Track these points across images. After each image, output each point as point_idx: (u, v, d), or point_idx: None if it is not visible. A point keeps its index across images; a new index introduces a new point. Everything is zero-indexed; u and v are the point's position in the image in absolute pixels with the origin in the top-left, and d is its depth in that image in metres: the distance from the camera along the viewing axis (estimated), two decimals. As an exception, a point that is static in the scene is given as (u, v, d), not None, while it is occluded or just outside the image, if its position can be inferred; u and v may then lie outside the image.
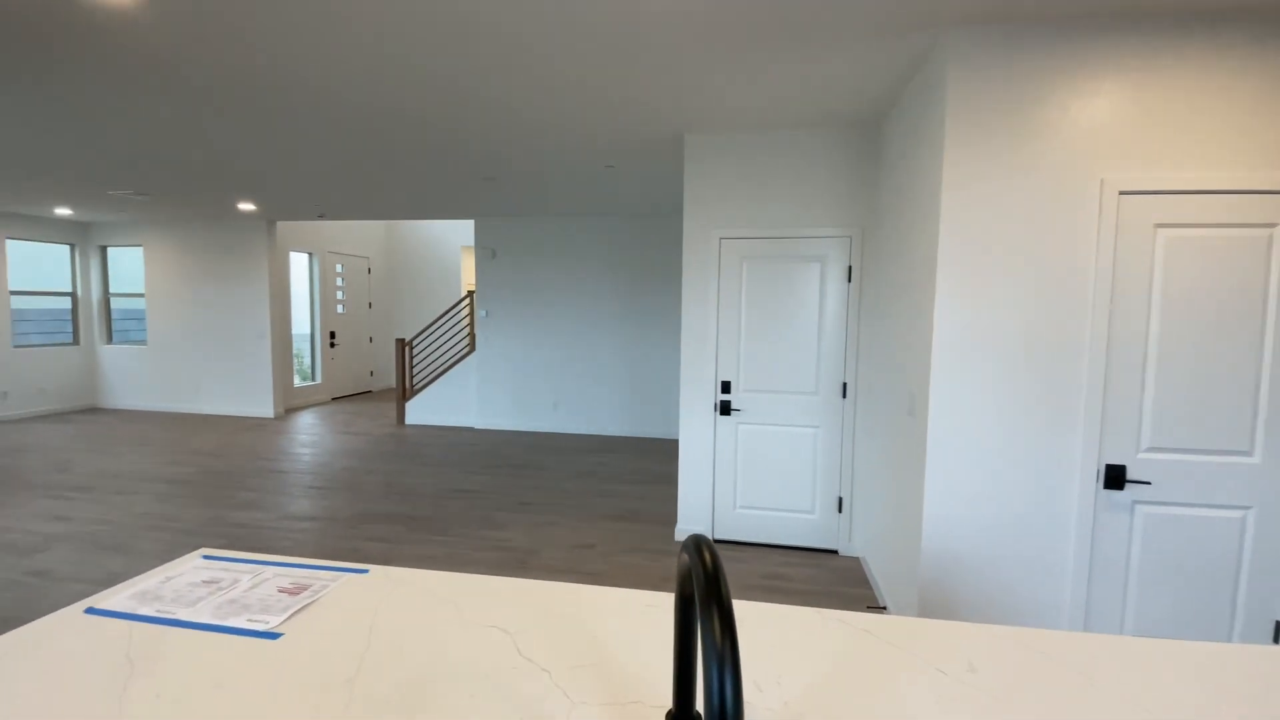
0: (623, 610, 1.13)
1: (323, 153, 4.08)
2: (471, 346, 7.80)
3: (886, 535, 2.94)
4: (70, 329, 7.94)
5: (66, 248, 7.89)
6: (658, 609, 1.13)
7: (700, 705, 0.75)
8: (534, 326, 6.91)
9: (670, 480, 5.03)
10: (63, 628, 1.04)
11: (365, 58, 2.51)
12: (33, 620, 2.70)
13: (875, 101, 2.97)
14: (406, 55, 2.47)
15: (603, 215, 6.62)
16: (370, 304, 9.82)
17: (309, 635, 1.02)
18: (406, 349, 7.45)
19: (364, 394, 9.64)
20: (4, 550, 3.44)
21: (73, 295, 7.96)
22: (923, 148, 2.48)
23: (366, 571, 1.27)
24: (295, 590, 1.17)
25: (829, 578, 3.24)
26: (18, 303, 7.31)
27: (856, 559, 3.50)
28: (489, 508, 4.29)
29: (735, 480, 3.60)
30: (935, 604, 2.34)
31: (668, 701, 0.87)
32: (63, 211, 6.97)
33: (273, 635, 1.02)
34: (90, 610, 1.10)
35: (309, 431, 6.79)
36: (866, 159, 3.37)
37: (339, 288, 9.14)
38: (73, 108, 3.19)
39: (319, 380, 8.83)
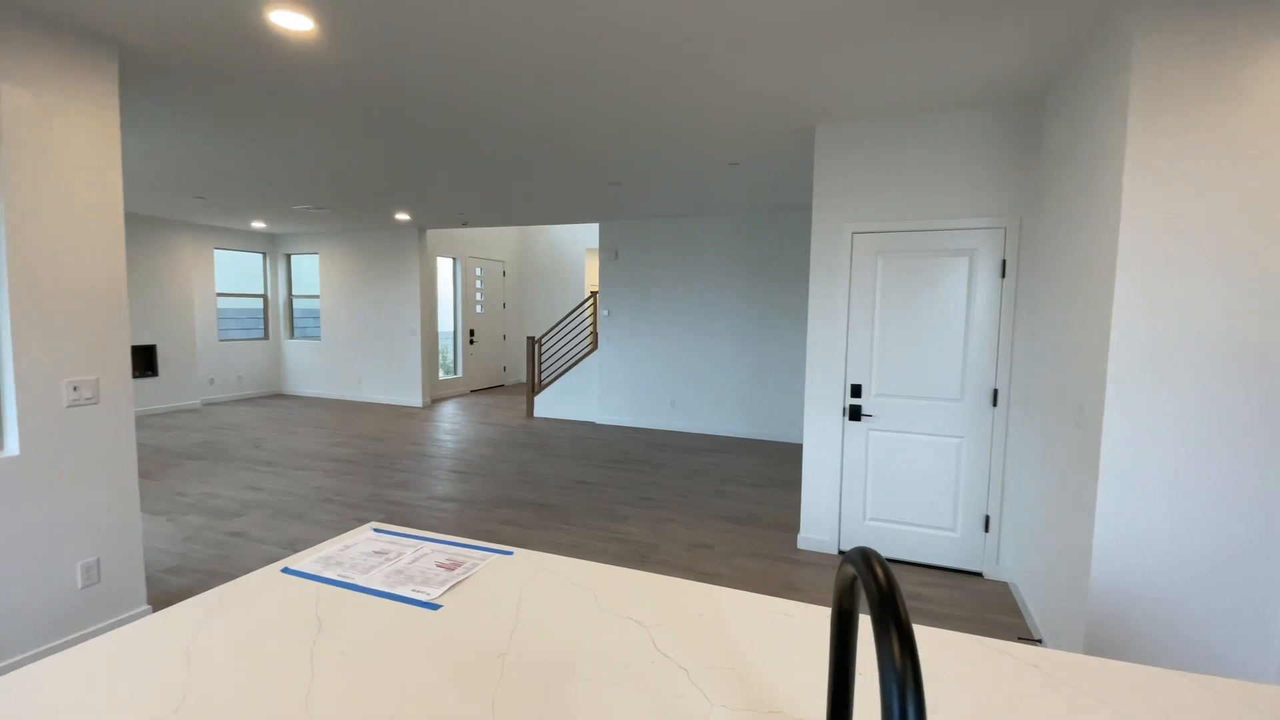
0: (755, 615, 1.10)
1: (469, 165, 4.42)
2: (594, 345, 8.08)
3: (1043, 560, 2.63)
4: (262, 326, 9.29)
5: (260, 256, 9.23)
6: (793, 619, 1.09)
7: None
8: (654, 326, 7.01)
9: (788, 485, 4.87)
10: (266, 583, 1.21)
11: (513, 74, 2.68)
12: (233, 573, 3.20)
13: (1036, 77, 2.67)
14: (550, 65, 2.61)
15: (723, 214, 6.56)
16: (504, 304, 10.51)
17: (464, 609, 1.11)
18: (536, 346, 7.87)
19: (498, 387, 10.34)
20: (211, 513, 4.09)
21: (264, 297, 9.30)
22: (1099, 125, 2.18)
23: (511, 554, 1.35)
24: (451, 566, 1.27)
25: (973, 602, 2.97)
26: (222, 303, 8.67)
27: (1004, 584, 3.17)
28: (610, 501, 4.42)
29: (865, 490, 3.41)
30: (1106, 643, 2.05)
31: (809, 714, 0.83)
32: (257, 225, 8.16)
33: (433, 606, 1.11)
34: (286, 570, 1.27)
35: (451, 420, 7.41)
36: (1024, 141, 3.03)
37: (478, 290, 9.88)
38: (264, 135, 3.72)
39: (460, 374, 9.61)
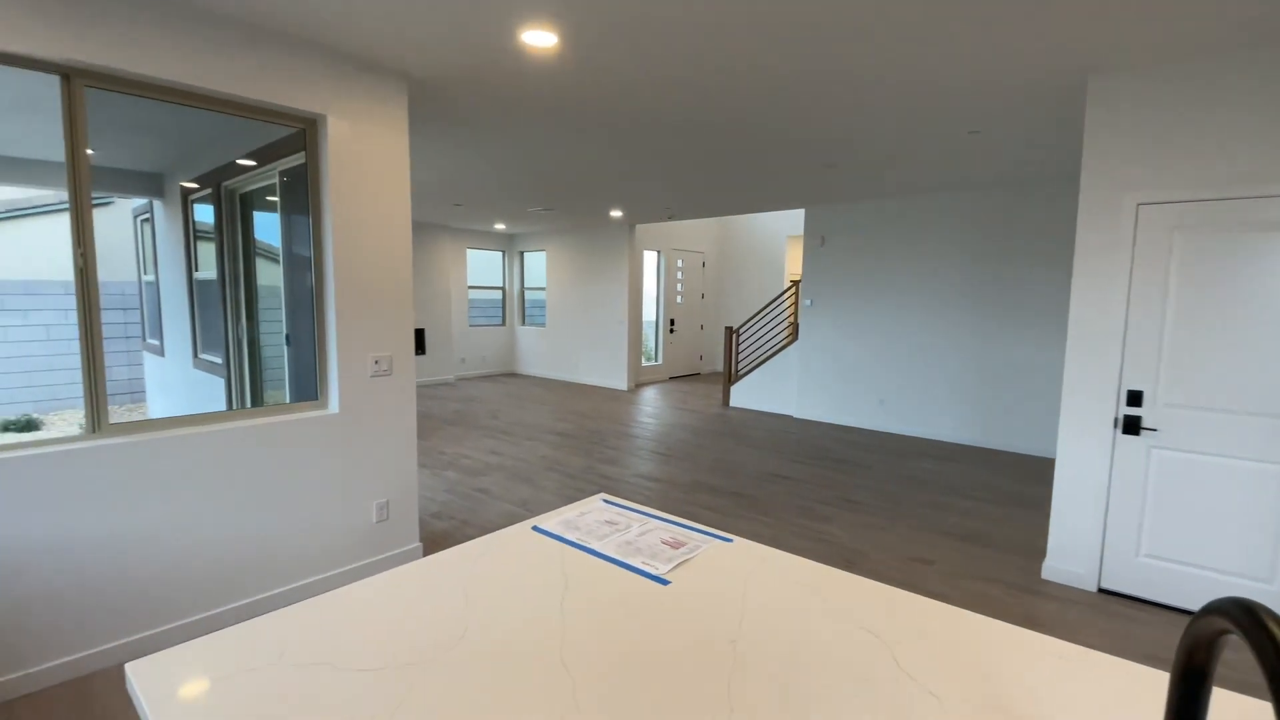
0: (1020, 650, 0.96)
1: (679, 159, 4.55)
2: (793, 336, 7.82)
3: None
4: (500, 314, 10.69)
5: (499, 254, 10.61)
6: (1071, 664, 0.93)
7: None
8: (861, 316, 6.55)
9: (1032, 505, 4.20)
10: (521, 538, 1.38)
11: (731, 65, 2.68)
12: (480, 522, 3.74)
13: None
14: (764, 52, 2.55)
15: (948, 191, 5.84)
16: (703, 295, 10.69)
17: (691, 588, 1.14)
18: (734, 336, 7.88)
19: (694, 376, 10.59)
20: (463, 471, 4.83)
21: (502, 289, 10.69)
22: None
23: (731, 541, 1.36)
24: (674, 544, 1.32)
25: (1307, 683, 2.26)
26: (472, 294, 10.15)
27: (1364, 668, 2.36)
28: (810, 498, 4.25)
29: (1141, 520, 2.79)
30: None
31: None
32: (499, 226, 9.37)
33: (663, 581, 1.16)
34: (535, 528, 1.44)
35: (652, 404, 7.78)
36: None
37: (679, 280, 10.20)
38: (511, 143, 4.23)
39: (660, 361, 10.04)
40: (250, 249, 3.61)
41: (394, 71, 2.81)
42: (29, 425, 6.99)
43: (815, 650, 0.95)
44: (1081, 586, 2.97)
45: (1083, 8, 2.16)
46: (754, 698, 0.83)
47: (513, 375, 10.47)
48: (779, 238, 10.08)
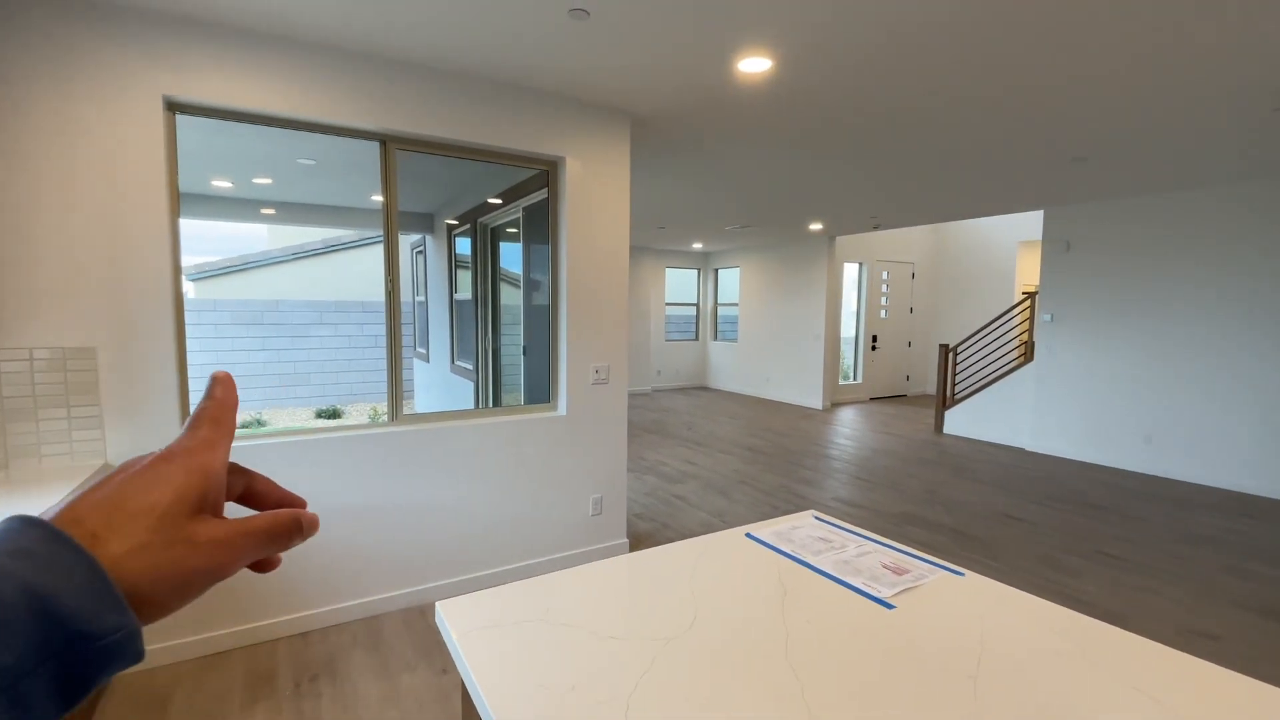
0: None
1: (893, 163, 4.31)
2: (1026, 356, 6.84)
3: None
4: (694, 329, 11.03)
5: (694, 271, 10.96)
6: None
7: None
8: (1117, 334, 5.49)
9: (1392, 587, 3.14)
10: (736, 543, 1.45)
11: (966, 64, 2.50)
12: (678, 526, 3.90)
13: None
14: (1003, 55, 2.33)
15: (1231, 184, 4.65)
16: (911, 309, 9.87)
17: (919, 617, 1.10)
18: (950, 355, 7.14)
19: (899, 397, 9.79)
20: (662, 477, 5.07)
21: (696, 306, 11.02)
22: None
23: (963, 575, 1.27)
24: (898, 570, 1.28)
25: None
26: (668, 311, 10.63)
27: None
28: (1053, 547, 3.67)
29: None
30: None
31: None
32: (696, 245, 9.70)
33: (888, 605, 1.14)
34: (749, 535, 1.49)
35: (851, 426, 7.37)
36: None
37: (883, 294, 9.55)
38: (717, 166, 4.39)
39: (859, 380, 9.47)
40: (496, 274, 4.27)
41: (621, 112, 3.12)
42: (334, 414, 8.96)
43: (1072, 704, 0.86)
44: None
45: None
46: (1001, 739, 0.78)
47: (703, 389, 10.70)
48: (1007, 244, 8.91)
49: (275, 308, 8.41)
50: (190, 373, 2.34)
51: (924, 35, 2.28)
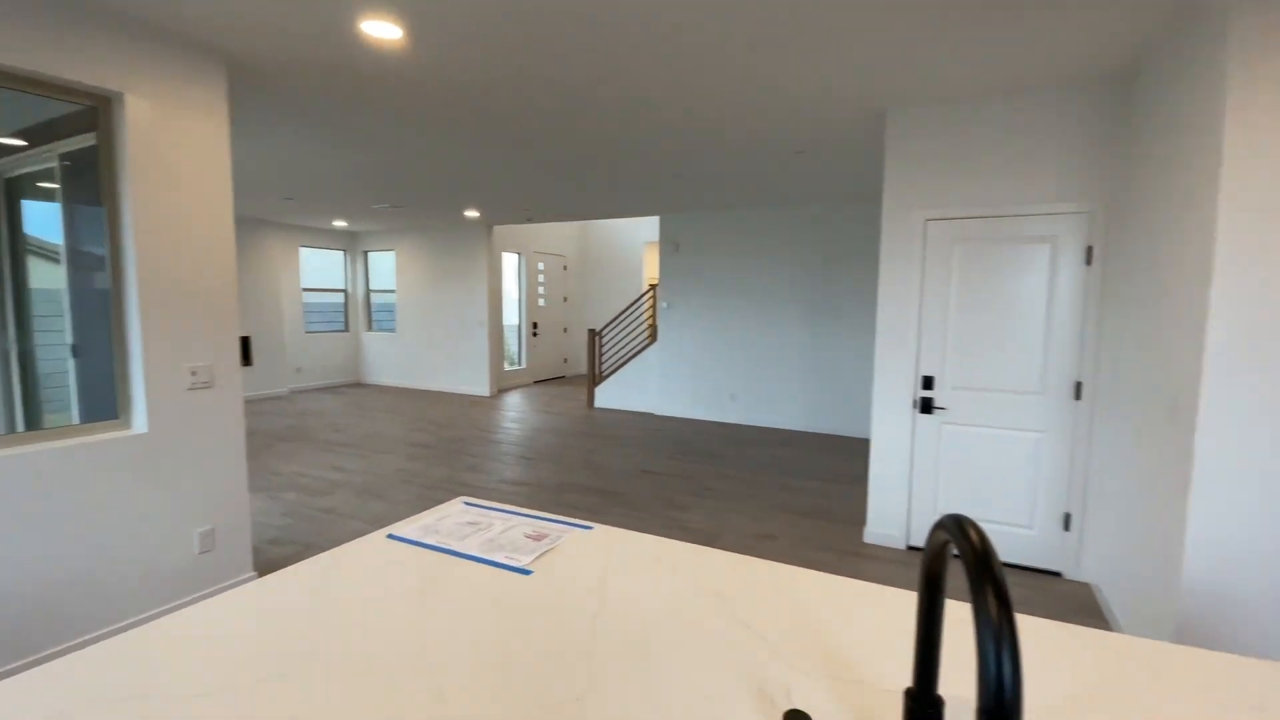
0: (831, 594, 1.14)
1: (535, 161, 4.57)
2: (652, 337, 8.15)
3: (1129, 560, 2.51)
4: (343, 319, 9.86)
5: (340, 253, 9.79)
6: (866, 598, 1.12)
7: (942, 688, 0.74)
8: (714, 318, 7.01)
9: (856, 480, 4.79)
10: (375, 547, 1.34)
11: (580, 73, 2.76)
12: (328, 545, 3.46)
13: (1123, 55, 2.52)
14: (618, 62, 2.68)
15: (786, 205, 6.48)
16: (565, 298, 10.74)
17: (553, 575, 1.20)
18: (596, 339, 8.02)
19: (559, 379, 10.60)
20: (302, 491, 4.43)
21: (345, 292, 9.87)
22: (1194, 104, 2.05)
23: (591, 528, 1.43)
24: (537, 537, 1.37)
25: (1052, 603, 2.86)
26: (308, 298, 9.25)
27: (1086, 584, 3.04)
28: (673, 490, 4.48)
29: (936, 485, 3.33)
30: (1196, 644, 1.95)
31: (891, 683, 0.86)
32: (339, 223, 8.66)
33: (526, 571, 1.20)
34: (391, 535, 1.40)
35: (516, 409, 7.67)
36: (1110, 123, 2.87)
37: (541, 284, 10.15)
38: (352, 138, 3.97)
39: (523, 365, 9.91)
40: (18, 244, 3.01)
41: (209, 49, 2.53)
42: None
43: (669, 613, 1.05)
44: (895, 546, 3.47)
45: (878, 54, 2.54)
46: (613, 658, 0.91)
47: (358, 385, 9.73)
48: (637, 243, 10.43)
49: None
50: None
51: (539, 21, 2.45)
